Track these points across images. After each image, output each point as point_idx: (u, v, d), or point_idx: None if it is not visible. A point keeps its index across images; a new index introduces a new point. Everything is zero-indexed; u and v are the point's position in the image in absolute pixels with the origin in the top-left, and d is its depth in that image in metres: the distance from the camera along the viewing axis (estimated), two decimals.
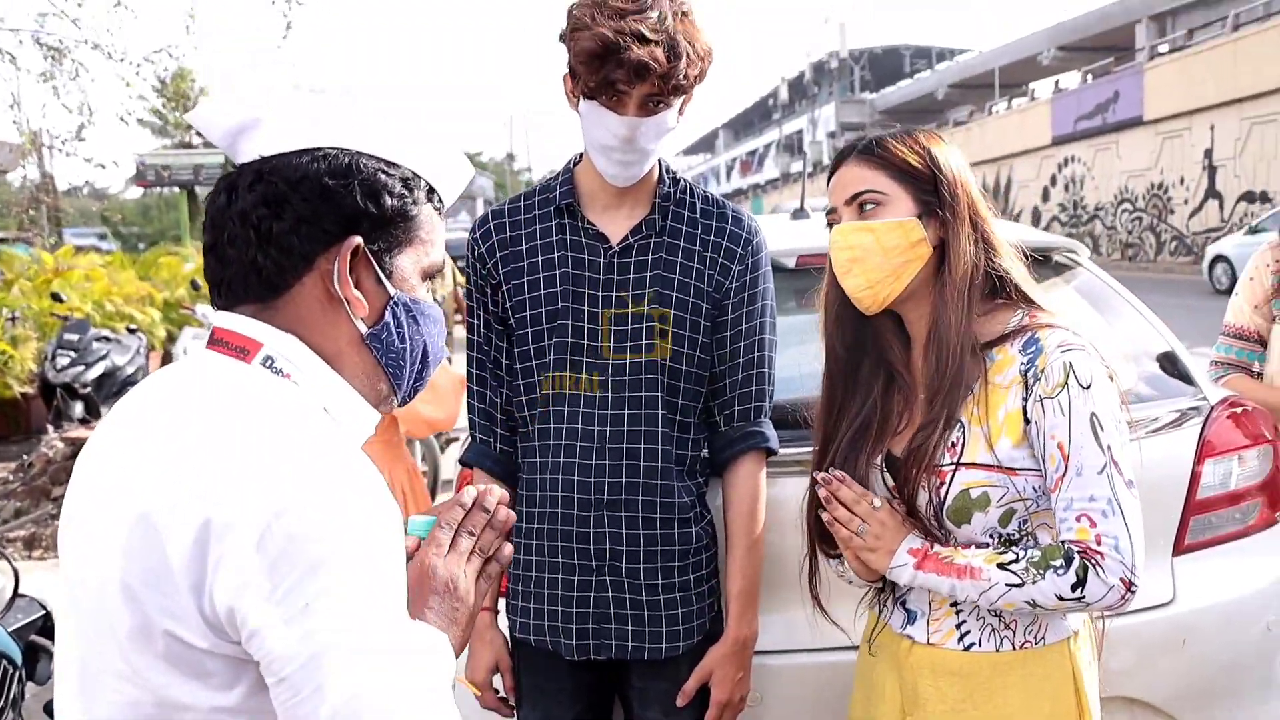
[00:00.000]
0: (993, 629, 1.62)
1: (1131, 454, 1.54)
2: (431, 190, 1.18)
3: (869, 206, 1.63)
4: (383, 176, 1.12)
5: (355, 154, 1.11)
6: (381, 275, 1.13)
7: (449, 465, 6.57)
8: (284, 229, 1.08)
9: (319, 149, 1.11)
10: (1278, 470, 2.39)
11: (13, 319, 10.24)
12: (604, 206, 1.91)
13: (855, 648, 1.88)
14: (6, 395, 9.18)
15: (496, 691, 2.03)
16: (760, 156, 64.68)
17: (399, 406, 1.23)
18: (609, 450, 1.87)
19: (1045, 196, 30.25)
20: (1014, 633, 1.62)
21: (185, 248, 15.75)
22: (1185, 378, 2.46)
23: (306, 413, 1.05)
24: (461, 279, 8.66)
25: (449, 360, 2.86)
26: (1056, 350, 1.53)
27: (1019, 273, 1.65)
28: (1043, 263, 2.46)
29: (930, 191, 1.62)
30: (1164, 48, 25.63)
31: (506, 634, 2.01)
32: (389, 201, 1.12)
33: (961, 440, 1.58)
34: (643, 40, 1.69)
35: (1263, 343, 2.90)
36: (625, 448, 1.87)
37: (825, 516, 1.67)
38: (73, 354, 8.29)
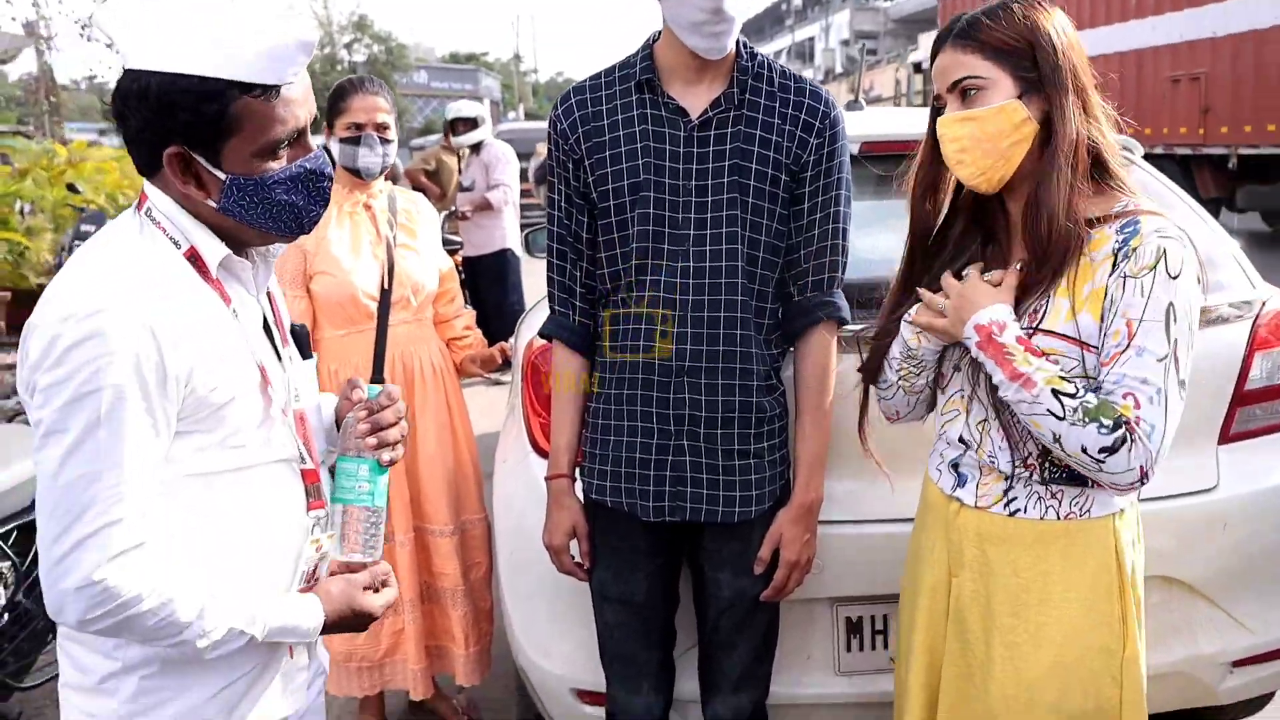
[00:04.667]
0: (1039, 497, 1.68)
1: (1191, 357, 1.56)
2: (244, 86, 1.30)
3: (971, 93, 1.64)
4: (174, 96, 1.28)
5: (151, 76, 1.28)
6: (209, 167, 1.34)
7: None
8: (130, 136, 1.35)
9: (136, 71, 1.29)
10: None
11: (23, 211, 10.17)
12: (684, 81, 1.94)
13: (912, 519, 1.95)
14: (24, 286, 9.17)
15: (573, 556, 2.10)
16: None
17: (298, 238, 1.48)
18: (690, 318, 1.92)
19: None
20: (1059, 503, 1.67)
21: None
22: (1242, 274, 2.49)
23: (140, 247, 1.35)
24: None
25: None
26: (1153, 234, 1.56)
27: (1109, 148, 1.65)
28: None
29: (1030, 67, 1.62)
30: None
31: (582, 498, 2.08)
32: (183, 116, 1.29)
33: (1043, 308, 1.63)
34: None
35: None
36: (706, 315, 1.92)
37: (907, 318, 1.76)
38: None
